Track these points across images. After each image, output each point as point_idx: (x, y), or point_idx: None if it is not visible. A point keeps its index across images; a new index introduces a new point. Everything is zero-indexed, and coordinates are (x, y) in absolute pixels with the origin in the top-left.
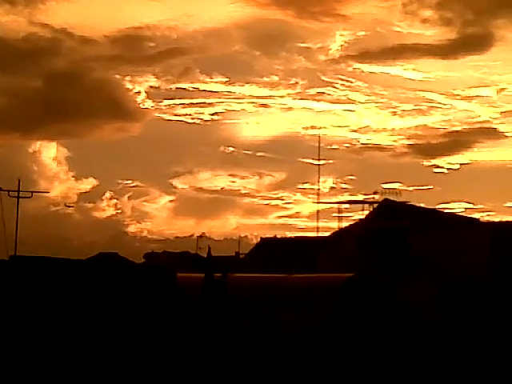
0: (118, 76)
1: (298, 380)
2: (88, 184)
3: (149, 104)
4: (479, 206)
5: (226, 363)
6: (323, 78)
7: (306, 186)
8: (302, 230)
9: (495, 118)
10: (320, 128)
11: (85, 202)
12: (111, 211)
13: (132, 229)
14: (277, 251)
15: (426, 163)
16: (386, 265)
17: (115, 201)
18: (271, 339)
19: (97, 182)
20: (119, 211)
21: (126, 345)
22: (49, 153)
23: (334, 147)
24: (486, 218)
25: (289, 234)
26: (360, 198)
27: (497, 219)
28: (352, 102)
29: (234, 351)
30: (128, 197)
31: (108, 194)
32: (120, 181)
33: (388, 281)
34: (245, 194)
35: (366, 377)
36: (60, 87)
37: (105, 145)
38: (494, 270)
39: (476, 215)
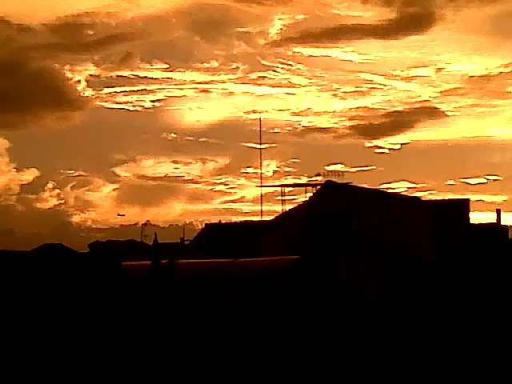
0: (57, 65)
1: (243, 362)
2: (30, 175)
3: (89, 92)
4: (421, 185)
5: (172, 348)
6: (263, 62)
7: (249, 170)
8: (246, 214)
9: (435, 98)
10: (261, 112)
11: (27, 193)
12: (54, 202)
13: (76, 219)
14: (222, 236)
15: (367, 144)
16: (329, 245)
17: (58, 191)
18: (218, 324)
19: (39, 172)
20: (62, 201)
21: (72, 334)
22: None
23: (275, 131)
24: (428, 197)
25: (234, 219)
26: (303, 180)
27: (439, 197)
28: (293, 85)
29: (181, 335)
30: (71, 187)
31: (51, 185)
32: (62, 171)
33: (331, 261)
34: (188, 180)
35: (311, 357)
36: None
37: (46, 135)
38: (436, 247)
39: (418, 194)
